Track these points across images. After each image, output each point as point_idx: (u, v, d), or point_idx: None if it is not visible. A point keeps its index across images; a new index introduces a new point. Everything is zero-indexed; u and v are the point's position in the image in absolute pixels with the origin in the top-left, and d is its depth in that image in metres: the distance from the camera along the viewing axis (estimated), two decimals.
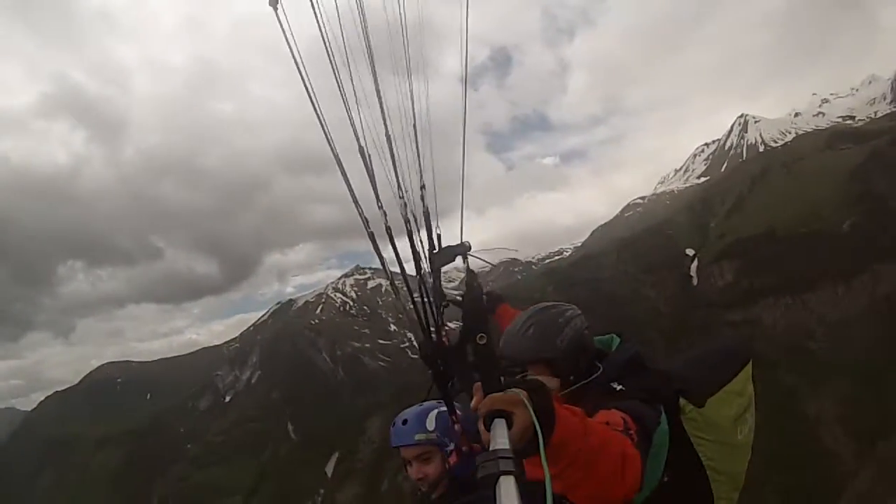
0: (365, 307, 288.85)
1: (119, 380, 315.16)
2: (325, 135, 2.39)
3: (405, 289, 3.06)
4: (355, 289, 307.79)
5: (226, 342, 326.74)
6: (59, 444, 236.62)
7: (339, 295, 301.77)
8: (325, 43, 2.32)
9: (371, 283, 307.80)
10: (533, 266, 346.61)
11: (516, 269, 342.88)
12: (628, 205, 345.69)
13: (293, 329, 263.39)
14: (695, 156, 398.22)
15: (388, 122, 2.77)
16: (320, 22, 2.31)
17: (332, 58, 2.34)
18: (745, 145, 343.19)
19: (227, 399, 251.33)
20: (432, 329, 3.06)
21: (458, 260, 3.84)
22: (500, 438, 1.73)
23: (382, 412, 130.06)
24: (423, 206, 3.21)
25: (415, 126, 3.18)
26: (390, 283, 2.95)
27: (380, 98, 2.75)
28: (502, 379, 2.22)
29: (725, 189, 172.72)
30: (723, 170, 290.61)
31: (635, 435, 2.37)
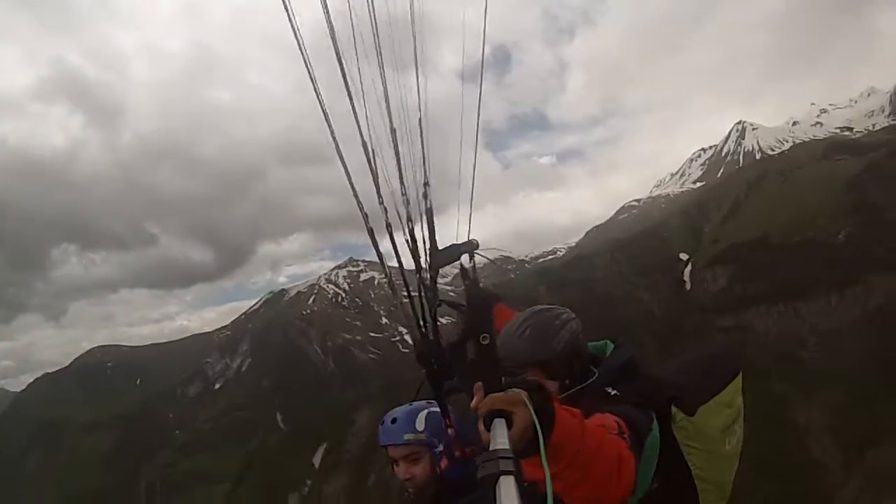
0: (357, 299, 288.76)
1: (109, 364, 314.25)
2: (328, 126, 2.36)
3: (403, 287, 3.03)
4: (348, 280, 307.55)
5: (217, 329, 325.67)
6: (48, 426, 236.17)
7: (331, 286, 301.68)
8: (331, 34, 2.29)
9: (364, 276, 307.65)
10: (526, 265, 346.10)
11: (510, 268, 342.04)
12: (623, 206, 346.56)
13: (285, 319, 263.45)
14: (691, 160, 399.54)
15: (391, 117, 2.71)
16: (328, 15, 2.28)
17: (338, 49, 2.32)
18: (742, 152, 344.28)
19: (217, 386, 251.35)
20: (428, 327, 3.04)
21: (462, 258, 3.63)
22: (501, 438, 1.73)
23: (371, 405, 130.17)
24: (427, 203, 3.09)
25: (421, 122, 3.12)
26: (388, 283, 2.88)
27: (386, 92, 2.69)
28: (503, 379, 2.19)
29: (721, 195, 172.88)
30: (719, 175, 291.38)
31: (629, 439, 2.38)
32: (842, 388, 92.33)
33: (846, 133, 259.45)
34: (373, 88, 2.65)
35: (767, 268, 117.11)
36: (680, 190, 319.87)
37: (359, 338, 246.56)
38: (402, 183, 2.78)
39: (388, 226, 2.64)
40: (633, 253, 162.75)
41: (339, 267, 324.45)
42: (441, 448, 3.69)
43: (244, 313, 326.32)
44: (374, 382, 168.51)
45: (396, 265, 3.12)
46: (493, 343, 2.27)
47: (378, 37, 2.53)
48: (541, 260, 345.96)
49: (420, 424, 3.69)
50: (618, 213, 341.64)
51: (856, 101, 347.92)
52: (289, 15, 2.14)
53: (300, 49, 2.19)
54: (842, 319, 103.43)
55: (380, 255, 2.73)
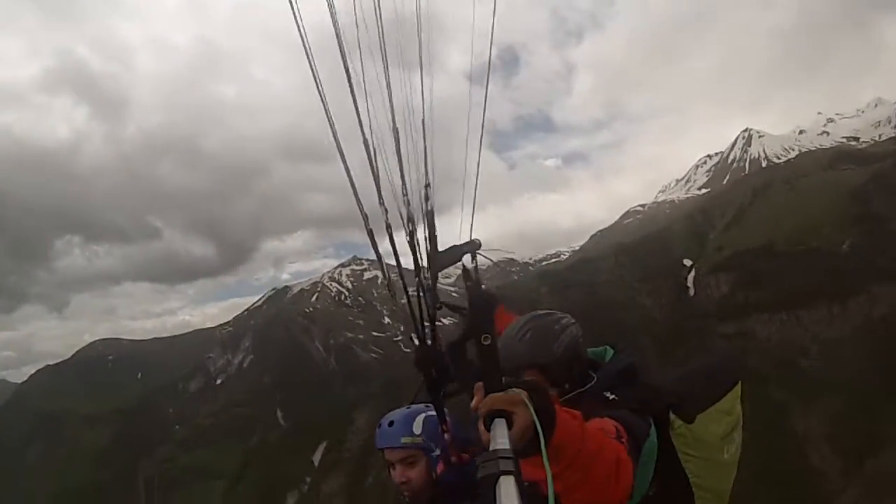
0: (360, 298, 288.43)
1: (111, 357, 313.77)
2: (330, 125, 2.33)
3: (402, 290, 3.03)
4: (351, 279, 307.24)
5: (219, 325, 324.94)
6: (49, 418, 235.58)
7: (334, 284, 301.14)
8: (336, 34, 2.27)
9: (367, 275, 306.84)
10: (529, 267, 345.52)
11: (513, 270, 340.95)
12: (628, 211, 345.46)
13: (287, 316, 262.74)
14: (697, 166, 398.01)
15: (394, 117, 2.67)
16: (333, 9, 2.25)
17: (342, 46, 2.30)
18: (748, 159, 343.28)
19: (218, 382, 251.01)
20: (427, 332, 3.03)
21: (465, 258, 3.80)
22: (501, 438, 1.73)
23: (372, 404, 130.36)
24: (429, 204, 3.10)
25: (423, 123, 3.09)
26: (387, 285, 2.85)
27: (389, 92, 2.64)
28: (503, 379, 2.18)
29: (726, 201, 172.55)
30: (724, 182, 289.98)
31: (627, 443, 2.37)
32: (842, 397, 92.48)
33: (852, 143, 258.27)
34: (376, 87, 2.61)
35: (771, 276, 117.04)
36: (685, 196, 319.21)
37: (361, 337, 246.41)
38: (403, 183, 2.73)
39: (388, 227, 2.59)
40: (637, 257, 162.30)
41: (342, 265, 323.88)
42: (438, 452, 3.69)
43: (246, 309, 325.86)
44: (375, 382, 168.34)
45: (397, 266, 3.04)
46: (494, 343, 2.25)
47: (383, 37, 2.51)
48: (544, 262, 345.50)
49: (417, 428, 3.69)
50: (622, 217, 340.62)
51: (862, 112, 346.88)
52: (295, 14, 2.12)
53: (304, 47, 2.17)
54: (844, 329, 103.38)
55: (379, 256, 2.70)
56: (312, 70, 2.18)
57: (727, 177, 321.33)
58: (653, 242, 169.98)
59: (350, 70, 2.35)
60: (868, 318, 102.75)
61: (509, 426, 1.80)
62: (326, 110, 2.26)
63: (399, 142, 2.72)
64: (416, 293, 3.04)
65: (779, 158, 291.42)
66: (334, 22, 2.24)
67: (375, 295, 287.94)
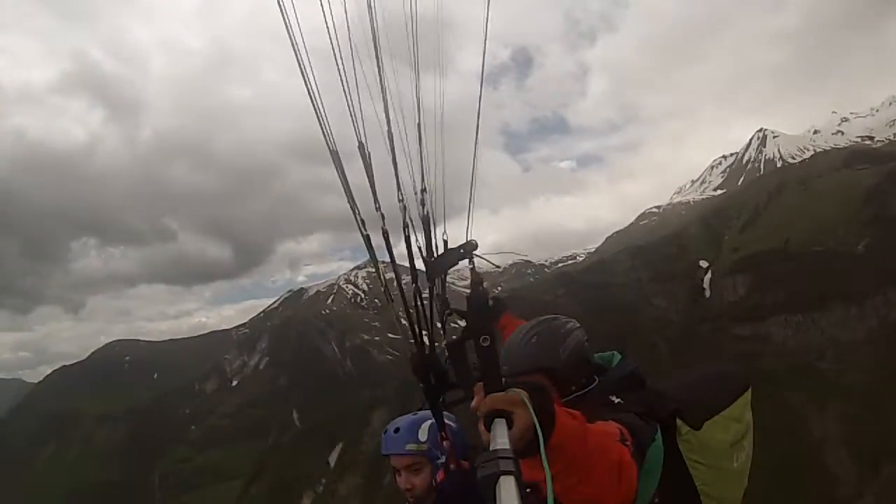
0: (376, 300, 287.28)
1: (127, 358, 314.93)
2: (324, 133, 2.27)
3: (400, 296, 3.00)
4: (367, 281, 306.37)
5: (235, 327, 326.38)
6: (64, 417, 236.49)
7: (350, 286, 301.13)
8: (329, 33, 2.22)
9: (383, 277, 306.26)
10: (545, 269, 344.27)
11: (528, 272, 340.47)
12: (644, 213, 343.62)
13: (303, 317, 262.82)
14: (712, 167, 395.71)
15: (389, 119, 2.60)
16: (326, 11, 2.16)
17: (334, 46, 2.23)
18: (762, 160, 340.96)
19: (234, 383, 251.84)
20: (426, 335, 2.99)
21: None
22: (501, 438, 1.72)
23: (387, 405, 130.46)
24: (423, 210, 3.16)
25: (419, 125, 3.12)
26: (384, 292, 2.86)
27: (384, 91, 2.58)
28: (503, 380, 2.19)
29: (741, 202, 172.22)
30: (739, 183, 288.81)
31: (631, 446, 2.29)
32: (858, 401, 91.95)
33: (867, 142, 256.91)
34: (376, 92, 2.55)
35: (786, 277, 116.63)
36: (700, 197, 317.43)
37: (377, 338, 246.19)
38: (398, 189, 2.70)
39: (385, 233, 2.57)
40: (653, 259, 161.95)
41: (358, 268, 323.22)
42: (443, 460, 3.77)
43: (263, 311, 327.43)
44: (390, 383, 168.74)
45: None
46: (494, 344, 2.24)
47: (377, 40, 2.43)
48: (560, 264, 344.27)
49: (423, 435, 3.80)
50: (638, 218, 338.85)
51: (877, 111, 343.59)
52: (287, 26, 2.04)
53: (298, 62, 2.11)
54: (860, 332, 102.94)
55: (375, 262, 2.66)
56: (306, 83, 2.14)
57: (742, 177, 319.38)
58: (668, 244, 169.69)
59: (345, 73, 2.27)
60: (884, 320, 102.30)
61: (509, 426, 1.79)
62: (319, 119, 2.20)
63: (393, 146, 2.62)
64: (417, 297, 3.05)
65: (794, 158, 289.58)
66: (330, 32, 2.18)
67: (392, 297, 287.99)
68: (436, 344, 2.97)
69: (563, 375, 3.23)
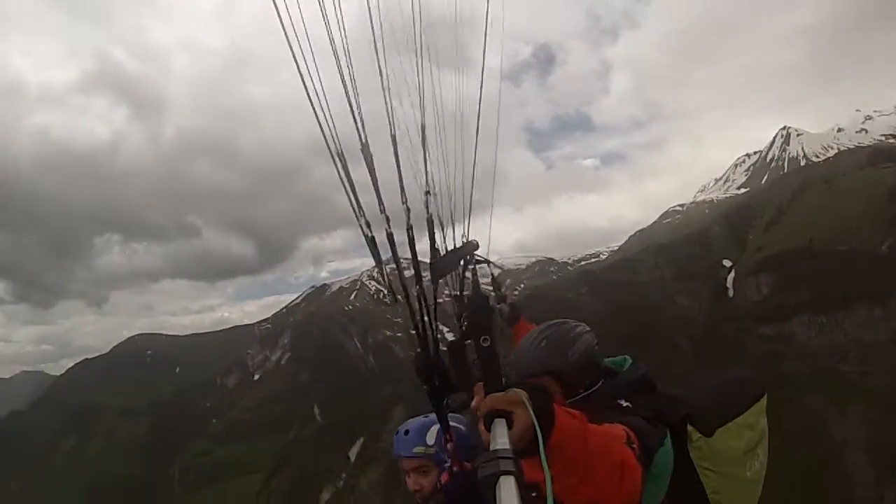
0: (399, 297, 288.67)
1: (149, 352, 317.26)
2: (322, 131, 2.26)
3: (405, 297, 2.94)
4: (390, 278, 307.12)
5: (258, 322, 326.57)
6: (85, 410, 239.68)
7: (373, 283, 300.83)
8: (337, 32, 2.19)
9: (407, 273, 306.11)
10: (568, 267, 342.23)
11: (551, 270, 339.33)
12: (667, 211, 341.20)
13: (326, 313, 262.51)
14: (736, 166, 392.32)
15: (393, 124, 2.54)
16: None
17: (333, 46, 2.20)
18: (786, 158, 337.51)
19: (256, 378, 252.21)
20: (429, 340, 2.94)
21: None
22: (501, 438, 1.73)
23: (408, 402, 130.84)
24: (427, 213, 3.06)
25: (423, 126, 2.95)
26: (388, 292, 2.83)
27: (387, 96, 2.51)
28: (504, 380, 2.21)
29: (765, 201, 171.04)
30: (763, 182, 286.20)
31: (637, 449, 2.30)
32: (881, 403, 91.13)
33: (891, 140, 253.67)
34: (378, 91, 2.49)
35: (810, 277, 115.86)
36: (724, 196, 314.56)
37: (399, 335, 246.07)
38: (402, 190, 2.64)
39: (390, 235, 2.59)
40: (676, 258, 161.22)
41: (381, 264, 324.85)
42: (448, 462, 3.77)
43: (285, 307, 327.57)
44: (412, 380, 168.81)
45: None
46: (494, 344, 2.27)
47: (379, 51, 2.39)
48: (583, 262, 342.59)
49: (431, 438, 3.86)
50: (661, 217, 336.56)
51: None
52: (285, 33, 2.03)
53: (292, 53, 2.09)
54: (883, 333, 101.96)
55: (378, 262, 2.68)
56: (306, 88, 2.12)
57: (766, 176, 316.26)
58: (692, 243, 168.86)
59: (349, 76, 2.24)
60: None
61: (509, 426, 1.80)
62: (319, 119, 2.19)
63: (396, 148, 2.56)
64: (417, 298, 3.01)
65: (818, 157, 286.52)
66: (335, 34, 2.14)
67: (415, 293, 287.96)
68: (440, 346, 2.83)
69: (571, 378, 3.31)
